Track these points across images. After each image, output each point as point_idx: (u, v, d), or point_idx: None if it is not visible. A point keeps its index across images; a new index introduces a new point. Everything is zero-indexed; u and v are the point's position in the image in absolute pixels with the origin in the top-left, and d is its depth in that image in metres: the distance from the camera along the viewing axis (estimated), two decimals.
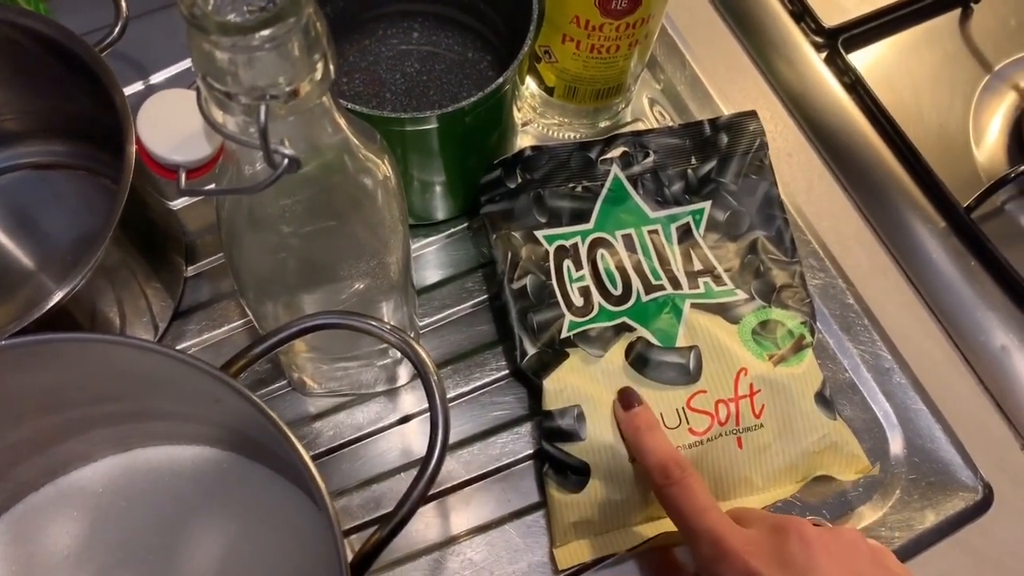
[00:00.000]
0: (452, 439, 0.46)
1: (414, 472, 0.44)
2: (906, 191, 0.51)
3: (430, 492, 0.32)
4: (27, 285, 0.46)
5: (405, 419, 0.46)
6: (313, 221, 0.30)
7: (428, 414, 0.45)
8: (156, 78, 0.50)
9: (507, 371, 0.47)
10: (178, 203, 0.48)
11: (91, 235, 0.47)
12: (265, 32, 0.22)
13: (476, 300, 0.49)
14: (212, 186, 0.27)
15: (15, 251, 0.46)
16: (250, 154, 0.28)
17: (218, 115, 0.25)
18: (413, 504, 0.31)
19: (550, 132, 0.53)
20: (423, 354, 0.32)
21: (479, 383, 0.47)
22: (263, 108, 0.23)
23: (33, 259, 0.46)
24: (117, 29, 0.40)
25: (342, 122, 0.28)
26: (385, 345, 0.43)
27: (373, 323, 0.32)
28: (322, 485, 0.30)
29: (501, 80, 0.40)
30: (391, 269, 0.34)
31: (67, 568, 0.39)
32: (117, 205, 0.36)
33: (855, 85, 0.53)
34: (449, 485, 0.45)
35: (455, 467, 0.45)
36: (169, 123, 0.28)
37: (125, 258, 0.41)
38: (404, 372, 0.46)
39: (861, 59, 0.53)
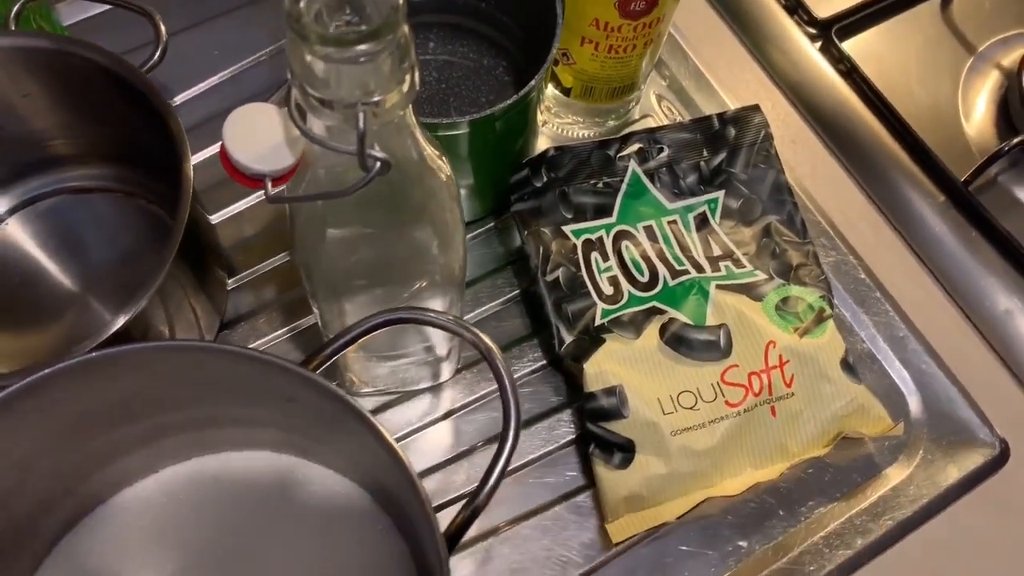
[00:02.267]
0: (493, 431, 0.48)
1: (465, 463, 0.47)
2: (905, 169, 0.54)
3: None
4: (74, 306, 0.47)
5: (449, 414, 0.48)
6: (388, 222, 0.32)
7: (472, 408, 0.48)
8: (183, 97, 0.53)
9: (543, 361, 0.49)
10: (215, 218, 0.50)
11: (133, 255, 0.48)
12: (363, 47, 0.24)
13: (507, 296, 0.51)
14: (299, 193, 0.29)
15: (61, 273, 0.47)
16: (330, 160, 0.30)
17: (312, 123, 0.27)
18: (496, 479, 0.32)
19: (564, 131, 0.55)
20: (488, 341, 0.34)
21: (517, 375, 0.49)
22: (362, 114, 0.25)
23: (79, 281, 0.47)
24: (157, 53, 0.42)
25: (416, 128, 0.30)
26: (430, 343, 0.45)
27: (445, 318, 0.33)
28: (409, 465, 0.32)
29: (532, 84, 0.42)
30: (453, 268, 0.36)
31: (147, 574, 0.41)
32: (179, 225, 0.38)
33: (850, 72, 0.56)
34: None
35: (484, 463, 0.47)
36: (252, 135, 0.29)
37: (178, 274, 0.42)
38: (446, 369, 0.48)
39: (854, 47, 0.56)
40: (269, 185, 0.30)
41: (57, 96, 0.42)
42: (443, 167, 0.33)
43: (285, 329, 0.49)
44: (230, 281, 0.49)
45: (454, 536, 0.33)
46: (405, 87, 0.27)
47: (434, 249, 0.34)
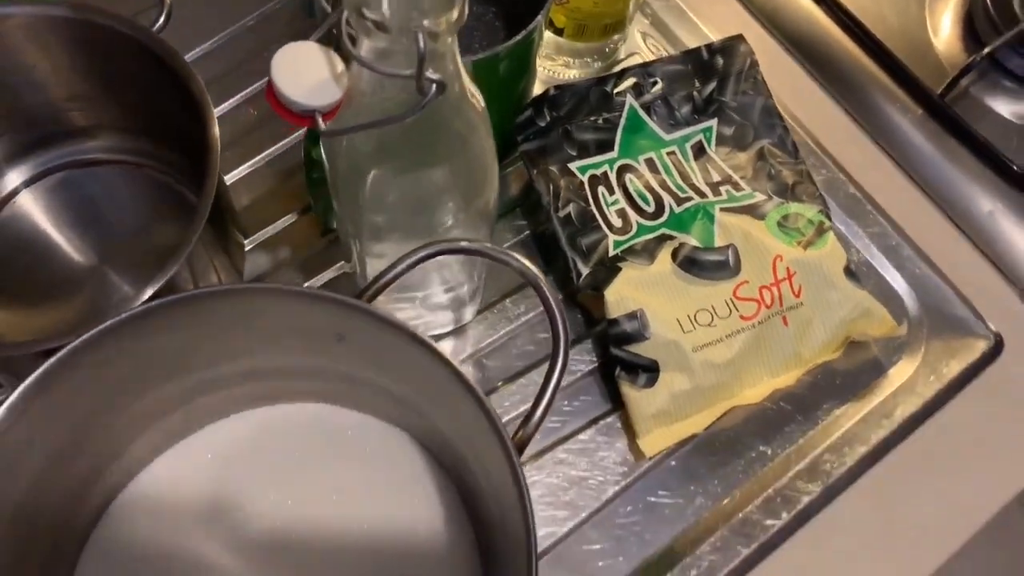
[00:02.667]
0: (519, 365, 0.49)
1: (494, 399, 0.48)
2: (883, 87, 0.56)
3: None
4: (92, 279, 0.47)
5: (473, 355, 0.50)
6: (429, 154, 0.33)
7: (495, 349, 0.50)
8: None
9: (559, 297, 0.51)
10: (229, 178, 0.51)
11: (145, 226, 0.49)
12: None
13: (517, 238, 0.52)
14: (350, 125, 0.30)
15: (76, 246, 0.47)
16: (375, 92, 0.31)
17: (363, 51, 0.28)
18: (552, 395, 0.34)
19: (555, 74, 0.56)
20: (534, 267, 0.35)
21: (531, 314, 0.51)
22: (422, 36, 0.26)
23: (94, 254, 0.48)
24: (163, 16, 0.42)
25: (458, 56, 0.31)
26: (455, 284, 0.46)
27: (492, 248, 0.35)
28: (472, 382, 0.33)
29: (538, 20, 0.43)
30: (488, 201, 0.37)
31: (196, 533, 0.41)
32: (209, 187, 0.39)
33: None
34: (529, 405, 0.48)
35: (532, 390, 0.49)
36: (299, 74, 0.30)
37: (203, 237, 0.43)
38: (468, 312, 0.49)
39: None
40: (320, 120, 0.30)
41: (73, 65, 0.42)
42: (479, 99, 0.34)
43: (304, 287, 0.49)
44: (245, 242, 0.50)
45: (519, 448, 0.34)
46: (455, 13, 0.28)
47: (472, 181, 0.36)
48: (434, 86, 0.28)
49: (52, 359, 0.32)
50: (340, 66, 0.31)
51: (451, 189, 0.35)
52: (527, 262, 0.35)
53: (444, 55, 0.30)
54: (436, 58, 0.29)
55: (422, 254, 0.35)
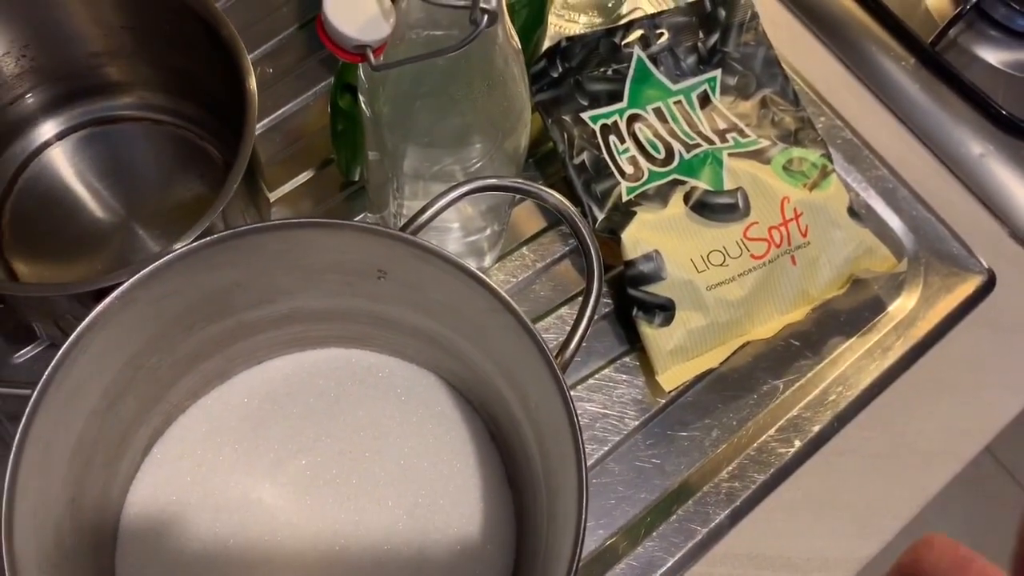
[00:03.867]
0: (540, 310, 0.51)
1: None
2: (877, 38, 0.58)
3: None
4: (120, 233, 0.48)
5: None
6: (473, 87, 0.34)
7: (516, 293, 0.51)
8: None
9: (573, 243, 0.52)
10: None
11: (170, 181, 0.49)
12: None
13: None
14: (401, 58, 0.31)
15: (104, 201, 0.48)
16: (421, 26, 0.32)
17: None
18: (587, 325, 0.36)
19: (562, 29, 0.57)
20: (562, 198, 0.37)
21: (548, 260, 0.52)
22: None
23: (122, 208, 0.48)
24: None
25: None
26: (476, 229, 0.48)
27: (532, 185, 0.36)
28: (518, 310, 0.35)
29: None
30: (520, 144, 0.39)
31: (240, 470, 0.43)
32: (247, 138, 0.40)
33: None
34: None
35: (549, 336, 0.50)
36: (349, 11, 0.31)
37: (237, 190, 0.44)
38: (488, 259, 0.51)
39: None
40: (371, 55, 0.32)
41: (110, 19, 0.43)
42: (515, 38, 0.35)
43: (351, 221, 0.51)
44: (270, 196, 0.51)
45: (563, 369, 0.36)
46: None
47: (507, 120, 0.37)
48: (486, 17, 0.29)
49: (115, 293, 0.33)
50: (388, 2, 0.32)
51: (487, 128, 0.37)
52: (561, 197, 0.37)
53: None
54: None
55: (462, 190, 0.36)
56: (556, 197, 0.37)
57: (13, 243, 0.47)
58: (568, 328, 0.50)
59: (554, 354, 0.36)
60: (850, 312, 0.52)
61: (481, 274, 0.35)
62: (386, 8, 0.32)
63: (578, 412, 0.48)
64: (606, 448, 0.48)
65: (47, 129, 0.48)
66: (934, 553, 0.26)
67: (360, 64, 0.33)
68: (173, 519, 0.42)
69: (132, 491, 0.42)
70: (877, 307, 0.52)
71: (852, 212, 0.51)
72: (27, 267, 0.46)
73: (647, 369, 0.49)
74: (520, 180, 0.37)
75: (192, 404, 0.45)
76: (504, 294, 0.35)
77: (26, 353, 0.47)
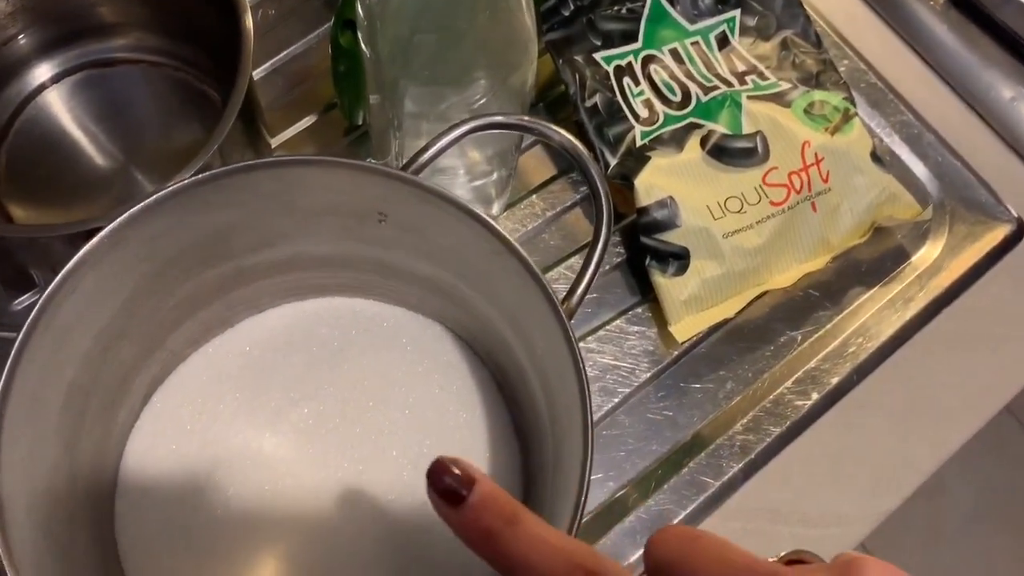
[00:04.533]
0: (549, 260, 0.50)
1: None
2: None
3: None
4: (118, 177, 0.47)
5: None
6: (477, 15, 0.33)
7: (522, 239, 0.50)
8: None
9: (585, 191, 0.51)
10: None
11: (168, 125, 0.48)
12: None
13: None
14: None
15: (101, 145, 0.47)
16: None
17: None
18: (594, 270, 0.34)
19: None
20: (578, 143, 0.35)
21: (559, 208, 0.51)
22: None
23: (119, 152, 0.47)
24: None
25: None
26: (483, 173, 0.46)
27: (536, 122, 0.34)
28: (523, 252, 0.33)
29: None
30: (526, 80, 0.37)
31: (241, 420, 0.42)
32: (243, 76, 0.38)
33: None
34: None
35: (559, 286, 0.49)
36: None
37: (233, 133, 0.42)
38: (496, 207, 0.49)
39: None
40: None
41: None
42: None
43: (350, 160, 0.49)
44: (272, 141, 0.49)
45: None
46: None
47: (513, 53, 0.35)
48: None
49: (103, 231, 0.32)
50: None
51: (491, 60, 0.35)
52: (569, 135, 0.35)
53: None
54: None
55: (465, 128, 0.35)
56: (563, 135, 0.35)
57: (10, 188, 0.46)
58: None
59: (560, 299, 0.35)
60: (872, 261, 0.50)
61: (483, 214, 0.34)
62: None
63: (588, 363, 0.47)
64: (616, 400, 0.47)
65: (42, 72, 0.46)
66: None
67: None
68: (173, 469, 0.41)
69: (131, 440, 0.41)
70: (900, 256, 0.50)
71: (875, 157, 0.48)
72: (24, 212, 0.45)
73: (660, 320, 0.48)
74: (526, 117, 0.35)
75: (193, 351, 0.43)
76: (507, 235, 0.33)
77: (24, 300, 0.46)
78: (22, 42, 0.45)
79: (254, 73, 0.51)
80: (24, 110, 0.46)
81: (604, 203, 0.35)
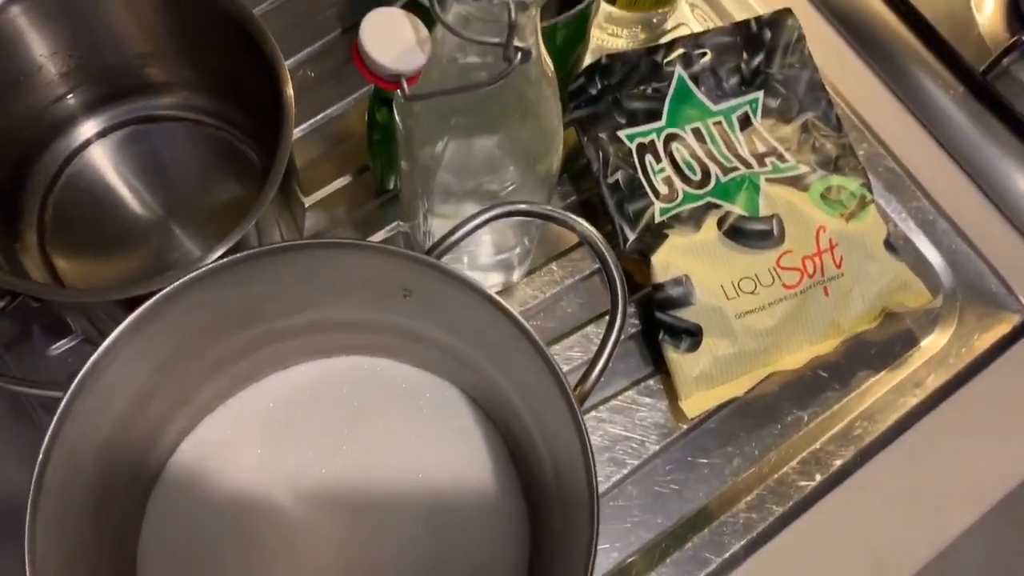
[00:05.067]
0: (566, 327, 0.51)
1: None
2: (926, 63, 0.57)
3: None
4: (158, 232, 0.49)
5: (521, 314, 0.51)
6: (506, 116, 0.34)
7: (542, 309, 0.51)
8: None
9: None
10: None
11: (208, 181, 0.50)
12: None
13: (567, 202, 0.54)
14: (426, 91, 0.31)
15: (143, 199, 0.49)
16: (456, 58, 0.32)
17: (450, 16, 0.29)
18: (611, 350, 0.36)
19: (604, 43, 0.57)
20: (594, 229, 0.37)
21: (577, 276, 0.52)
22: (513, 6, 0.28)
23: (160, 207, 0.49)
24: None
25: (538, 23, 0.32)
26: (507, 247, 0.48)
27: (558, 212, 0.36)
28: (536, 337, 0.35)
29: None
30: (552, 167, 0.39)
31: (264, 475, 0.43)
32: (283, 151, 0.40)
33: None
34: (572, 367, 0.50)
35: (574, 353, 0.50)
36: (386, 39, 0.32)
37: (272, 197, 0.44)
38: (517, 274, 0.51)
39: None
40: (405, 84, 0.32)
41: (154, 22, 0.44)
42: (550, 66, 0.35)
43: (377, 243, 0.51)
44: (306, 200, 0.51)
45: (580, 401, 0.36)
46: None
47: (539, 146, 0.37)
48: (519, 55, 0.29)
49: (145, 305, 0.33)
50: (424, 32, 0.32)
51: (519, 152, 0.37)
52: (591, 227, 0.37)
53: (527, 24, 0.31)
54: (521, 27, 0.31)
55: (489, 215, 0.36)
56: (585, 227, 0.37)
57: (54, 238, 0.48)
58: (592, 347, 0.50)
59: (574, 385, 0.36)
60: (881, 345, 0.51)
61: (504, 303, 0.35)
62: (422, 37, 0.32)
63: (599, 433, 0.49)
64: (625, 471, 0.48)
65: (90, 127, 0.49)
66: None
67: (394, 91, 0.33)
68: (195, 520, 0.43)
69: (155, 492, 0.43)
70: (909, 341, 0.51)
71: (889, 245, 0.50)
72: (66, 262, 0.47)
73: (671, 393, 0.49)
74: (549, 207, 0.37)
75: (220, 404, 0.45)
76: (526, 324, 0.35)
77: (62, 346, 0.48)
78: (73, 99, 0.48)
79: (294, 132, 0.53)
80: (71, 163, 0.49)
81: (620, 297, 0.37)
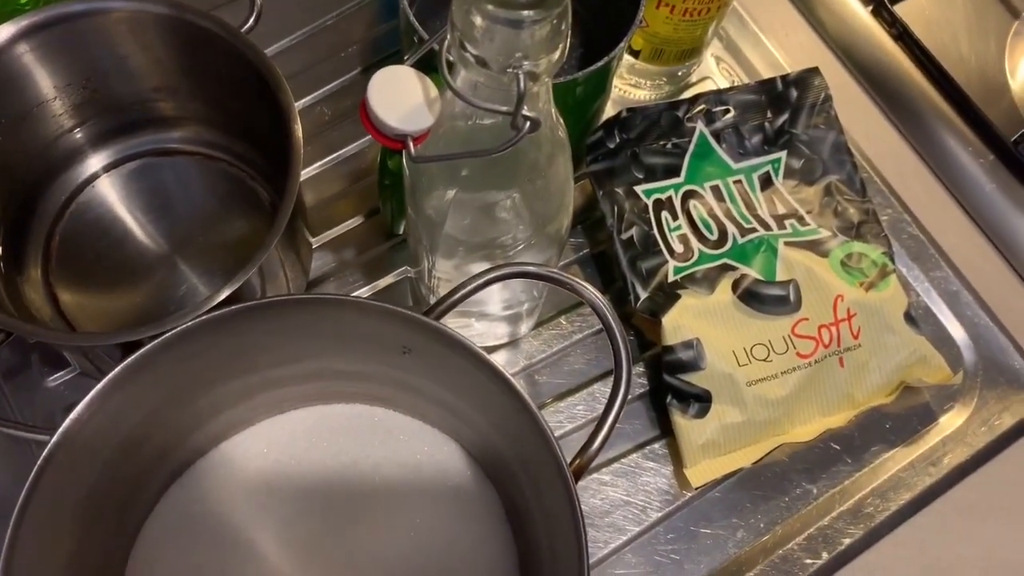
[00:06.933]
0: (571, 383, 0.50)
1: (553, 409, 0.49)
2: (956, 129, 0.56)
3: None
4: (163, 267, 0.48)
5: (527, 368, 0.50)
6: (515, 179, 0.33)
7: (547, 364, 0.50)
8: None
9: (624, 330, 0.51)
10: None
11: (215, 217, 0.50)
12: (529, 12, 0.26)
13: (580, 255, 0.53)
14: (433, 152, 0.31)
15: (149, 233, 0.49)
16: (466, 119, 0.31)
17: (459, 80, 0.28)
18: (615, 418, 0.35)
19: (626, 93, 0.56)
20: (600, 295, 0.36)
21: (588, 331, 0.51)
22: (522, 76, 0.27)
23: (166, 241, 0.49)
24: (252, 18, 0.43)
25: (550, 89, 0.31)
26: (515, 302, 0.47)
27: (563, 275, 0.35)
28: (533, 406, 0.34)
29: (620, 47, 0.43)
30: (562, 225, 0.38)
31: (253, 523, 0.42)
32: (290, 192, 0.40)
33: (902, 35, 0.57)
34: (576, 425, 0.49)
35: (578, 411, 0.49)
36: (394, 98, 0.31)
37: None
38: (525, 327, 0.50)
39: (905, 10, 0.58)
40: (411, 144, 0.31)
41: (166, 59, 0.43)
42: (563, 128, 0.34)
43: (366, 288, 0.51)
44: (313, 241, 0.51)
45: (580, 470, 0.35)
46: (556, 55, 0.28)
47: (549, 207, 0.36)
48: (528, 123, 0.28)
49: (134, 355, 0.33)
50: (433, 92, 0.31)
51: (528, 214, 0.36)
52: (598, 293, 0.36)
53: (539, 93, 0.30)
54: (531, 96, 0.30)
55: (492, 276, 0.35)
56: (591, 292, 0.36)
57: (59, 270, 0.47)
58: (598, 405, 0.49)
59: (572, 458, 0.35)
60: (897, 419, 0.50)
61: (506, 373, 0.34)
62: (431, 98, 0.31)
63: (600, 497, 0.47)
64: (625, 538, 0.46)
65: (99, 159, 0.48)
66: None
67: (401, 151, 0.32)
68: (181, 565, 0.42)
69: (143, 533, 0.42)
70: (927, 416, 0.50)
71: (909, 317, 0.48)
72: (70, 296, 0.47)
73: (676, 459, 0.48)
74: (555, 271, 0.36)
75: (212, 448, 0.44)
76: (525, 395, 0.34)
77: (59, 378, 0.47)
78: (83, 131, 0.47)
79: (306, 171, 0.53)
80: (79, 195, 0.48)
81: (624, 369, 0.35)
